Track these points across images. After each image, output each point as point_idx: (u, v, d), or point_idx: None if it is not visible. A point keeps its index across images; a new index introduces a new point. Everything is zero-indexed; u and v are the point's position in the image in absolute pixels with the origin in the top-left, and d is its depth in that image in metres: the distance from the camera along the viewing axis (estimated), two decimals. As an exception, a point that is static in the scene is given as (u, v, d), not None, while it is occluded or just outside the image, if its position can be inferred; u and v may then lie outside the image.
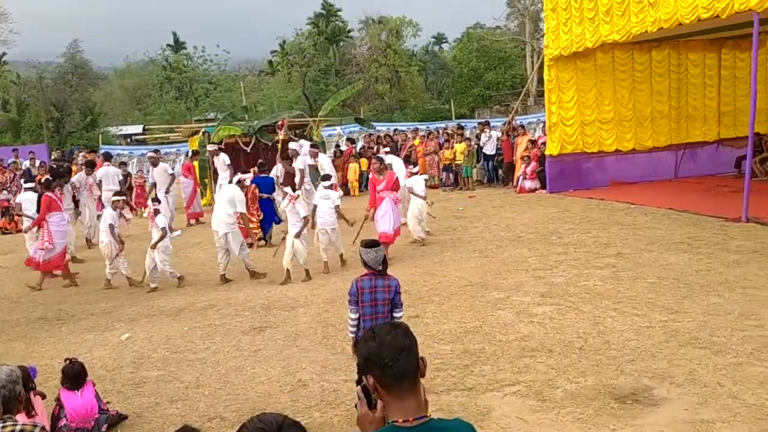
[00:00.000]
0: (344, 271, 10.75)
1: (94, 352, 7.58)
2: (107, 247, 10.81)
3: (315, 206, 10.99)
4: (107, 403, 5.86)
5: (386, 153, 18.16)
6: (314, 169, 17.10)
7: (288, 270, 10.41)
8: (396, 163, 15.19)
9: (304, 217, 10.53)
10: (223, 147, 17.99)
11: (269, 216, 13.80)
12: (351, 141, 23.66)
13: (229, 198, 10.83)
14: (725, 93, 19.02)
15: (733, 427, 4.84)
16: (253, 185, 13.34)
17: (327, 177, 11.74)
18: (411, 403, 2.23)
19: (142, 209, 18.99)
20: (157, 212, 10.76)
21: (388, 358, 2.21)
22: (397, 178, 11.77)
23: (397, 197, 11.56)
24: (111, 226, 10.74)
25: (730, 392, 5.33)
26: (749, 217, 11.76)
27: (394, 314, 5.43)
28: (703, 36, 17.26)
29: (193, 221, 17.10)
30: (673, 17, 12.90)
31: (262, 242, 13.54)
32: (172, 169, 18.21)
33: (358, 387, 2.32)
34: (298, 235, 10.34)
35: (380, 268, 5.39)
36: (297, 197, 10.79)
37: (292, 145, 16.36)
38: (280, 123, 18.99)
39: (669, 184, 17.56)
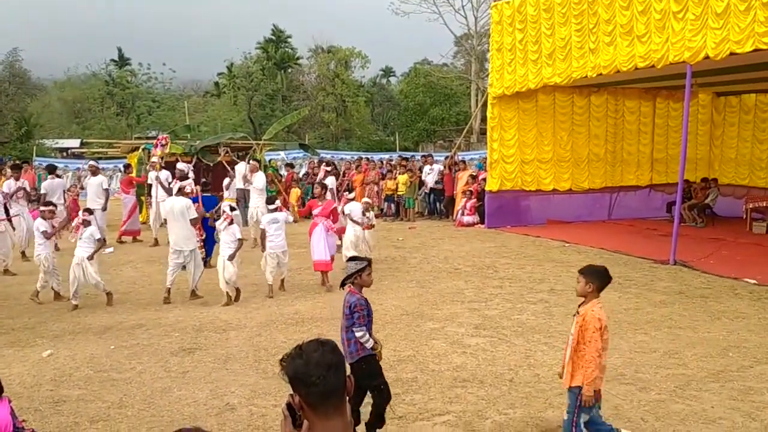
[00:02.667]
0: (282, 295, 10.62)
1: (13, 368, 7.25)
2: (46, 260, 10.29)
3: (263, 231, 10.79)
4: (23, 421, 5.57)
5: (326, 173, 18.30)
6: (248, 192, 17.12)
7: (227, 293, 10.23)
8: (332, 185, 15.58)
9: (239, 239, 10.36)
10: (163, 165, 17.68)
11: (212, 236, 13.60)
12: (290, 166, 23.62)
13: (180, 210, 10.32)
14: (658, 140, 19.78)
15: (654, 462, 4.94)
16: (198, 204, 13.14)
17: (271, 200, 11.35)
18: (337, 423, 2.19)
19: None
20: (86, 223, 10.37)
21: (315, 376, 2.17)
22: (334, 208, 11.73)
23: (330, 226, 11.38)
24: (44, 232, 10.29)
25: (653, 428, 5.46)
26: (676, 260, 12.18)
27: (355, 332, 5.28)
28: (640, 84, 17.97)
29: (127, 239, 16.52)
30: (611, 64, 13.41)
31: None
32: (108, 184, 17.69)
33: (283, 405, 2.26)
34: (231, 257, 10.13)
35: (343, 281, 5.45)
36: (233, 217, 10.53)
37: (180, 166, 16.26)
38: (159, 139, 18.87)
39: (602, 225, 18.06)
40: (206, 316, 9.40)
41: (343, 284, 5.45)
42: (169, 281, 10.36)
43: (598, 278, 4.83)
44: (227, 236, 10.36)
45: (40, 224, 10.48)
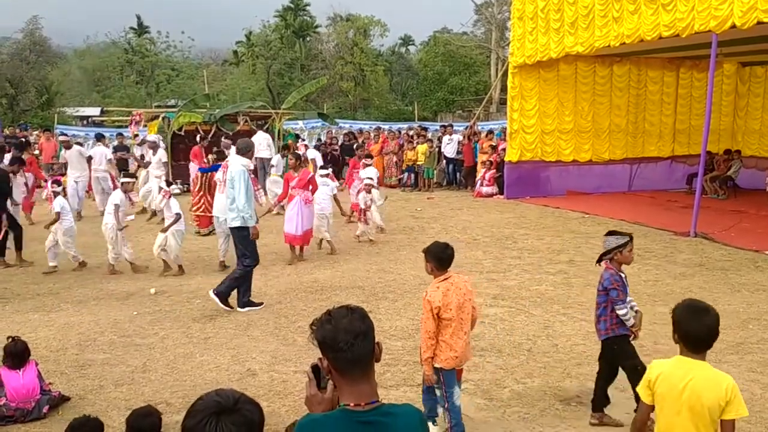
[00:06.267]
0: (301, 263, 10.70)
1: (39, 332, 7.41)
2: (111, 230, 10.21)
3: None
4: (49, 384, 5.73)
5: (306, 147, 18.26)
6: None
7: (165, 261, 10.29)
8: (317, 158, 15.63)
9: (177, 213, 10.13)
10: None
11: None
12: (297, 137, 23.46)
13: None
14: (681, 111, 19.50)
15: (671, 432, 4.96)
16: (213, 173, 13.22)
17: (324, 167, 12.89)
18: (364, 388, 2.22)
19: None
20: (56, 194, 10.54)
21: (342, 342, 2.19)
22: (312, 177, 11.40)
23: (308, 197, 10.98)
24: (116, 206, 10.20)
25: (670, 398, 5.47)
26: (697, 232, 12.09)
27: (617, 310, 5.06)
28: (664, 54, 17.68)
29: None
30: (635, 33, 13.19)
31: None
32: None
33: (308, 367, 2.31)
34: (165, 230, 10.10)
35: (601, 256, 5.17)
36: (171, 193, 10.40)
37: (150, 138, 16.28)
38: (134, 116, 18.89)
39: (623, 196, 17.93)
40: (227, 284, 9.50)
41: (600, 260, 5.21)
42: (222, 253, 10.54)
43: (432, 256, 4.81)
44: (166, 211, 10.31)
45: (117, 197, 10.36)
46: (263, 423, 1.89)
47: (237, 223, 8.29)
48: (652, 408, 3.23)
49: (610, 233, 5.18)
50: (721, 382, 3.08)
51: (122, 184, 10.77)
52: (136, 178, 11.55)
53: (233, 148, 16.10)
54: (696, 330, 3.12)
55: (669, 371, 3.19)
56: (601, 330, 5.13)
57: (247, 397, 1.90)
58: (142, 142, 17.59)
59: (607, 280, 5.02)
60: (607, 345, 5.15)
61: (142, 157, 17.05)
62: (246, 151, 8.59)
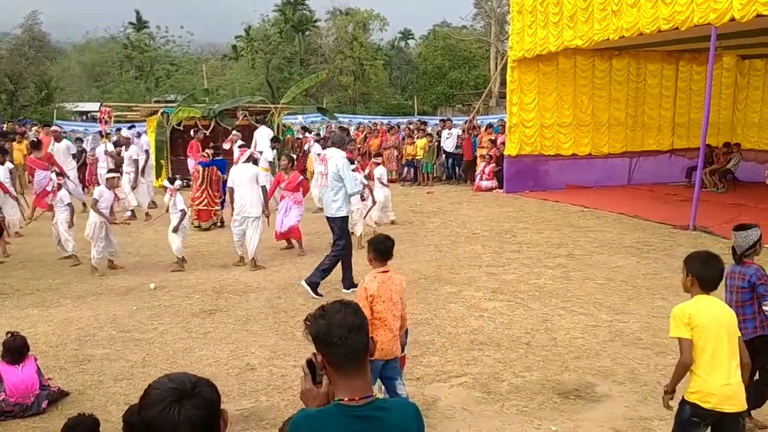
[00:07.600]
0: (301, 258, 10.70)
1: (38, 328, 7.41)
2: (89, 227, 9.99)
3: None
4: (49, 379, 5.74)
5: (315, 141, 17.95)
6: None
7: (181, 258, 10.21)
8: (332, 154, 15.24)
9: (182, 210, 10.03)
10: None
11: None
12: (306, 130, 23.35)
13: (250, 177, 10.34)
14: (680, 104, 19.46)
15: (670, 425, 4.94)
16: (214, 167, 13.23)
17: (352, 161, 12.36)
18: (358, 383, 2.23)
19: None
20: (60, 186, 10.50)
21: (336, 337, 2.20)
22: (302, 180, 11.38)
23: (298, 199, 11.07)
24: (95, 201, 10.05)
25: (668, 391, 5.48)
26: (696, 225, 12.09)
27: (763, 306, 4.74)
28: (663, 47, 17.66)
29: None
30: (634, 27, 13.17)
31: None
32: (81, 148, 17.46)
33: (304, 362, 2.31)
34: (175, 229, 9.95)
35: (738, 253, 4.92)
36: (177, 190, 10.19)
37: (124, 133, 16.19)
38: (102, 113, 18.82)
39: (622, 190, 17.92)
40: (226, 279, 9.52)
41: (741, 257, 4.90)
42: (240, 249, 10.35)
43: (372, 248, 5.01)
44: (172, 209, 10.12)
45: (96, 192, 10.30)
46: (220, 401, 1.88)
47: (342, 213, 8.72)
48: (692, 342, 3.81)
49: (742, 227, 4.93)
50: (730, 309, 3.93)
51: (107, 179, 10.66)
52: (121, 173, 11.44)
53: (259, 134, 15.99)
54: (713, 275, 3.88)
55: (702, 306, 3.82)
56: (748, 329, 4.75)
57: (202, 379, 1.88)
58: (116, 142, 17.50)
59: (754, 275, 4.77)
60: (760, 343, 4.79)
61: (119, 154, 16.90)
62: (342, 143, 9.27)
